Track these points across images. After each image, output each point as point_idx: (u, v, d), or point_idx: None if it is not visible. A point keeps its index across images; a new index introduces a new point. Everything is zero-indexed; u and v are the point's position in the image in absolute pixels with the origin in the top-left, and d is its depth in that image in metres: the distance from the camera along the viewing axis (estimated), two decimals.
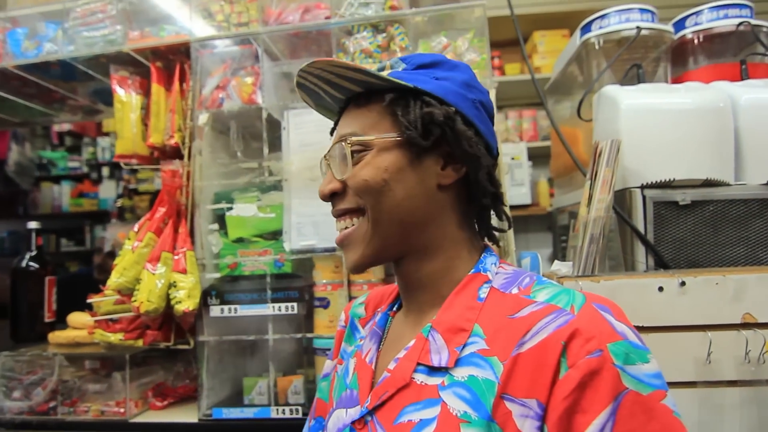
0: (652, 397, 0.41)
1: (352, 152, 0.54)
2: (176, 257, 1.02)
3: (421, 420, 0.47)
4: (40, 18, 1.29)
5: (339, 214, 0.56)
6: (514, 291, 0.50)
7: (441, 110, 0.52)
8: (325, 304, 1.01)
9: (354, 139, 0.54)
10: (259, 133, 1.07)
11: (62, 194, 3.36)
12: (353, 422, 0.53)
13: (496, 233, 0.61)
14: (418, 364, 0.50)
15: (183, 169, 1.09)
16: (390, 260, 0.57)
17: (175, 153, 1.13)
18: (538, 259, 0.82)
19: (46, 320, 1.35)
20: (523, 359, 0.44)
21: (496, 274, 0.54)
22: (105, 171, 3.43)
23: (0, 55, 1.26)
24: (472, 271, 0.54)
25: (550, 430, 0.41)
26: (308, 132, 1.08)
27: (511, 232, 0.90)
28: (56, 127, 3.37)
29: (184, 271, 1.01)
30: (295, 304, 1.01)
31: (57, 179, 3.43)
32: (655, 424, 0.40)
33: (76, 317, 1.27)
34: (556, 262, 0.81)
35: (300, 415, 0.97)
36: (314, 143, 1.06)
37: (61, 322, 1.35)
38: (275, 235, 1.07)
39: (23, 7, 1.33)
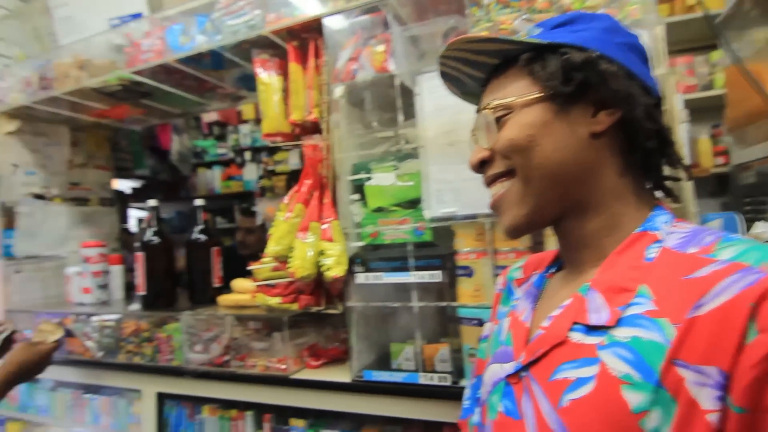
0: None
1: (496, 119, 0.54)
2: (323, 227, 1.07)
3: (578, 378, 0.46)
4: (191, 13, 1.42)
5: (490, 181, 0.56)
6: (692, 251, 0.44)
7: (580, 55, 0.50)
8: (469, 272, 0.99)
9: (494, 103, 0.54)
10: (392, 102, 1.06)
11: (214, 178, 3.82)
12: (508, 376, 0.54)
13: (671, 187, 0.56)
14: (575, 323, 0.49)
15: (323, 142, 1.13)
16: (548, 221, 0.55)
17: (315, 128, 1.18)
18: (735, 221, 0.68)
19: (215, 285, 1.54)
20: (700, 322, 0.40)
21: (670, 233, 0.48)
22: (247, 155, 3.81)
23: (162, 52, 1.42)
24: (639, 229, 0.49)
25: (735, 402, 0.37)
26: (442, 96, 1.03)
27: (690, 187, 0.77)
28: (206, 119, 3.80)
29: (331, 240, 1.06)
30: (438, 273, 1.00)
31: (209, 165, 3.91)
32: None
33: (239, 283, 1.43)
34: (757, 224, 0.67)
35: (449, 383, 0.97)
36: (449, 107, 1.01)
37: (226, 288, 1.53)
38: (414, 204, 1.06)
39: (177, 5, 1.47)
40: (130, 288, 1.81)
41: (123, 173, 2.69)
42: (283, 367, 1.19)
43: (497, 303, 0.70)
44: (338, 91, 1.10)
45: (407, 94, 1.07)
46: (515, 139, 0.52)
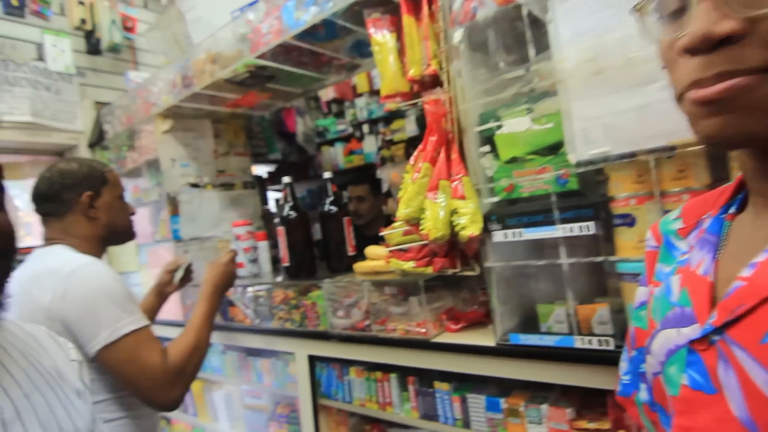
0: None
1: None
2: (454, 184, 1.02)
3: None
4: None
5: (721, 78, 0.37)
6: None
7: None
8: (630, 221, 0.85)
9: None
10: (520, 37, 0.94)
11: (337, 154, 3.98)
12: (691, 342, 0.43)
13: None
14: None
15: (444, 95, 1.06)
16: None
17: (435, 82, 1.12)
18: None
19: (349, 254, 1.60)
20: None
21: None
22: (365, 128, 3.89)
23: (280, 31, 1.47)
24: None
25: None
26: (581, 17, 0.89)
27: None
28: (324, 97, 3.96)
29: (463, 197, 1.00)
30: (590, 224, 0.88)
31: (332, 142, 4.08)
32: None
33: (372, 249, 1.45)
34: None
35: (611, 347, 0.87)
36: (591, 29, 0.86)
37: (360, 255, 1.57)
38: (553, 150, 0.94)
39: None
40: (275, 262, 1.98)
41: (259, 158, 2.94)
42: (423, 330, 1.18)
43: (654, 262, 0.58)
44: (457, 35, 1.01)
45: (537, 25, 0.94)
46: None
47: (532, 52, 0.93)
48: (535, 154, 0.97)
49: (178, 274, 1.61)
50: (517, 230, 0.97)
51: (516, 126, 0.97)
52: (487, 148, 1.02)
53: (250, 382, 1.86)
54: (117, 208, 1.32)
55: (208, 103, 2.03)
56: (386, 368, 1.34)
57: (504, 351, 1.01)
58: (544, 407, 1.01)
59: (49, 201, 1.24)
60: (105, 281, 1.12)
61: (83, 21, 2.70)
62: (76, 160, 1.32)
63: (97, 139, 2.61)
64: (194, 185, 2.23)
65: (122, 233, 1.36)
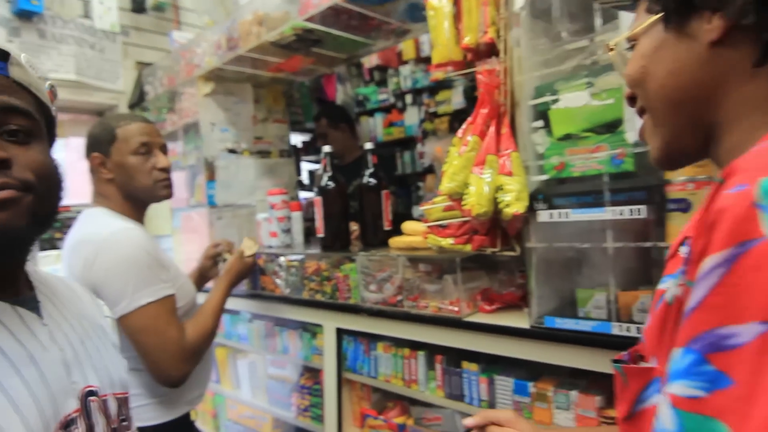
0: None
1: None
2: (502, 159, 1.05)
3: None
4: None
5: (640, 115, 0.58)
6: None
7: None
8: (684, 207, 0.86)
9: (613, 42, 0.58)
10: (588, 4, 0.95)
11: (377, 125, 4.03)
12: None
13: None
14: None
15: (500, 65, 1.09)
16: (695, 151, 0.55)
17: (490, 51, 1.14)
18: None
19: (385, 228, 1.65)
20: None
21: None
22: (408, 99, 3.90)
23: None
24: None
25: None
26: None
27: None
28: (366, 64, 3.99)
29: (510, 174, 1.03)
30: (642, 207, 0.89)
31: (371, 113, 4.12)
32: None
33: (410, 225, 1.50)
34: None
35: None
36: None
37: (396, 231, 1.62)
38: (611, 128, 0.96)
39: None
40: (308, 234, 2.06)
41: (295, 127, 3.02)
42: (456, 309, 1.23)
43: None
44: (519, 1, 1.03)
45: None
46: (632, 75, 0.54)
47: (598, 21, 0.94)
48: (591, 131, 0.98)
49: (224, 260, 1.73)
50: (564, 211, 1.00)
51: (573, 101, 0.98)
52: (540, 123, 1.04)
53: (275, 352, 1.96)
54: (129, 166, 1.31)
55: (251, 67, 2.10)
56: (414, 345, 1.40)
57: (538, 334, 1.05)
58: (574, 393, 1.04)
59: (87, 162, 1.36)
60: (132, 250, 1.21)
61: None
62: (101, 119, 1.43)
63: (138, 100, 2.74)
64: (232, 151, 2.33)
65: (144, 192, 1.34)
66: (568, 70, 1.00)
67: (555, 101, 1.00)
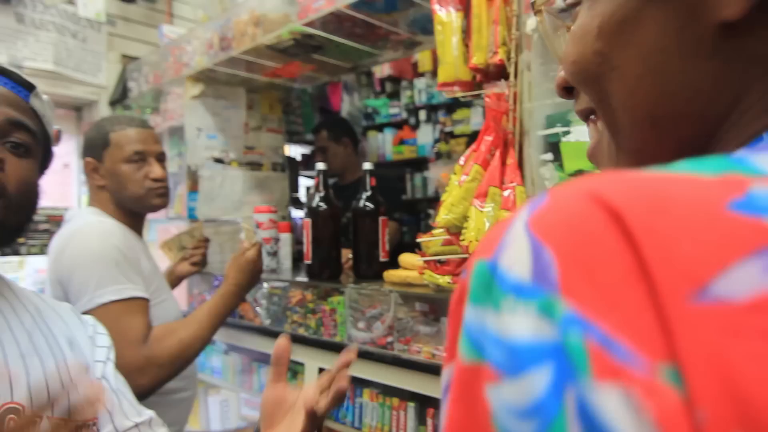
0: (471, 373, 0.24)
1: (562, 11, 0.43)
2: (505, 193, 1.08)
3: None
4: None
5: (583, 118, 0.44)
6: None
7: None
8: None
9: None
10: None
11: (385, 142, 4.08)
12: None
13: None
14: None
15: (509, 90, 1.13)
16: None
17: (500, 73, 1.18)
18: None
19: (381, 259, 1.68)
20: None
21: None
22: (422, 115, 3.96)
23: None
24: None
25: None
26: None
27: None
28: (378, 74, 4.07)
29: (514, 209, 1.06)
30: None
31: (380, 127, 4.19)
32: None
33: (406, 258, 1.53)
34: None
35: None
36: None
37: (392, 263, 1.65)
38: None
39: None
40: (297, 259, 2.10)
41: (293, 138, 3.08)
42: None
43: None
44: (531, 22, 1.07)
45: None
46: (577, 61, 0.36)
47: None
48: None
49: (186, 241, 1.77)
50: None
51: (587, 134, 1.01)
52: (549, 156, 1.08)
53: (251, 391, 1.98)
54: (121, 175, 1.38)
55: (244, 70, 2.18)
56: (405, 395, 1.41)
57: None
58: None
59: None
60: (99, 245, 1.26)
61: None
62: (99, 121, 1.51)
63: (120, 97, 2.83)
64: (218, 160, 2.39)
65: (135, 202, 1.42)
66: None
67: (567, 133, 1.04)
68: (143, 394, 1.25)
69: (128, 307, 1.25)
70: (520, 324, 0.22)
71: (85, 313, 1.20)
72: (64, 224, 1.40)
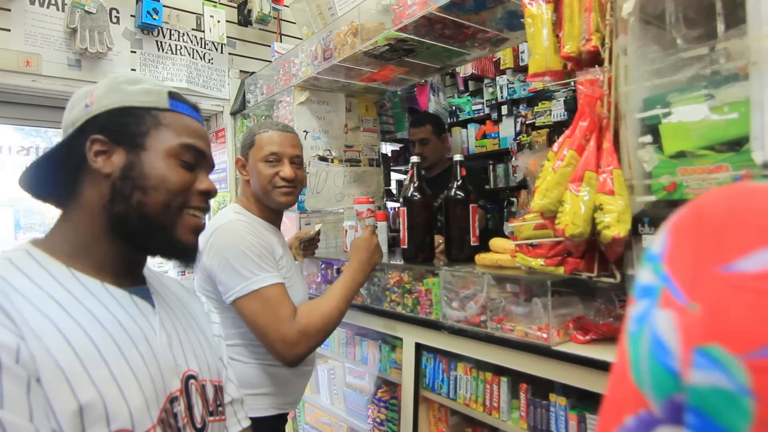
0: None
1: None
2: (601, 177, 0.98)
3: None
4: None
5: None
6: None
7: None
8: None
9: None
10: (709, 8, 0.87)
11: (469, 137, 3.98)
12: None
13: None
14: None
15: (603, 75, 1.02)
16: None
17: (593, 60, 1.08)
18: None
19: (472, 244, 1.62)
20: None
21: None
22: (503, 110, 3.81)
23: (426, 2, 1.52)
24: None
25: None
26: None
27: None
28: (461, 74, 3.96)
29: (611, 193, 0.96)
30: None
31: (464, 123, 4.08)
32: None
33: (498, 242, 1.46)
34: None
35: None
36: None
37: (483, 248, 1.59)
38: (734, 146, 0.86)
39: None
40: (393, 244, 2.08)
41: (386, 136, 3.08)
42: (545, 336, 1.17)
43: None
44: (627, 6, 0.96)
45: None
46: None
47: (721, 26, 0.85)
48: (709, 149, 0.89)
49: (305, 236, 1.82)
50: None
51: (689, 114, 0.90)
52: (648, 138, 0.97)
53: (354, 361, 1.99)
54: (257, 172, 1.43)
55: (344, 77, 2.18)
56: (498, 370, 1.35)
57: None
58: None
59: None
60: (241, 240, 1.31)
61: None
62: (253, 124, 1.58)
63: (240, 107, 2.96)
64: (322, 158, 2.43)
65: (264, 197, 1.44)
66: (684, 81, 0.92)
67: (667, 114, 0.92)
68: (297, 361, 1.30)
69: (275, 291, 1.29)
70: (644, 276, 0.36)
71: (239, 297, 1.27)
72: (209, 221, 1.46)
